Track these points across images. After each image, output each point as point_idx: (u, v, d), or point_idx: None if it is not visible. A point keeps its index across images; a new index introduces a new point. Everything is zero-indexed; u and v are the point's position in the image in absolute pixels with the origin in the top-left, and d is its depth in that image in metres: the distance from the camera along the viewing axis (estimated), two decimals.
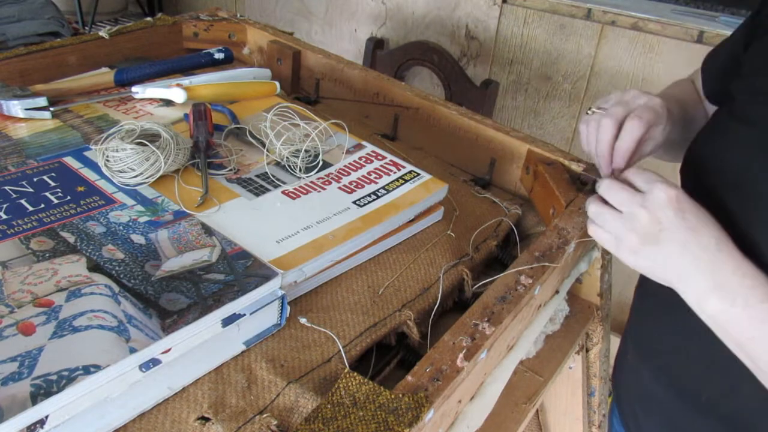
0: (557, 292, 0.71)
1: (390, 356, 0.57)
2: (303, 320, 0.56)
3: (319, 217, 0.63)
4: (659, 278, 0.58)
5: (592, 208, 0.60)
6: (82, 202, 0.60)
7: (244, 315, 0.51)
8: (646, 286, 0.74)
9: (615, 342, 0.84)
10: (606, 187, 0.59)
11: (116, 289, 0.50)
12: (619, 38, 1.56)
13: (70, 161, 0.67)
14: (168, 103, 0.83)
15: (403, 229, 0.67)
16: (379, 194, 0.68)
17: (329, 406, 0.45)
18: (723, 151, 0.61)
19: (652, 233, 0.55)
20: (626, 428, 0.80)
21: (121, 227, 0.58)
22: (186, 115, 0.78)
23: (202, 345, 0.49)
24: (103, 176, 0.65)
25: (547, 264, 0.60)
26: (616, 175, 0.62)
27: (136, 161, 0.64)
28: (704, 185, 0.61)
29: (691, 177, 0.66)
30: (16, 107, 0.75)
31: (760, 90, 0.59)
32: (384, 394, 0.45)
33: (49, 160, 0.67)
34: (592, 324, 0.81)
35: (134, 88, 0.83)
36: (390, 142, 0.88)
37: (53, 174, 0.64)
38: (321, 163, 0.72)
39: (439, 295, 0.61)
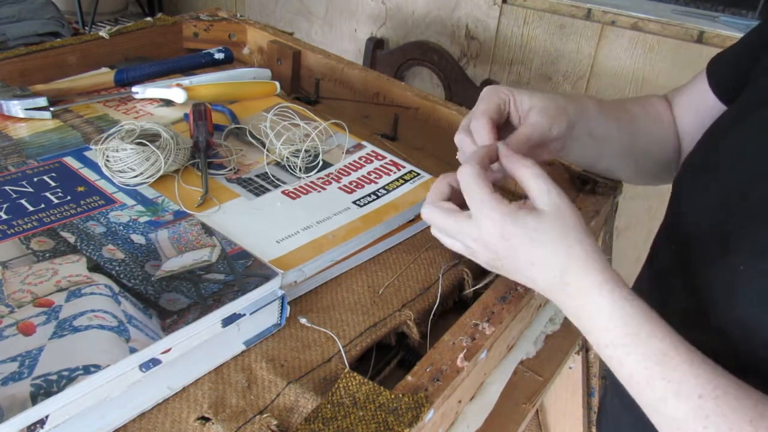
0: None
1: (390, 356, 0.57)
2: (303, 320, 0.56)
3: (319, 217, 0.63)
4: None
5: (434, 231, 0.53)
6: (82, 202, 0.60)
7: (244, 315, 0.51)
8: None
9: None
10: (429, 215, 0.51)
11: (116, 289, 0.50)
12: (619, 38, 1.56)
13: (70, 161, 0.67)
14: (168, 103, 0.83)
15: (403, 229, 0.67)
16: (379, 194, 0.68)
17: (329, 406, 0.45)
18: (750, 139, 0.59)
19: (493, 265, 0.51)
20: None
21: (121, 227, 0.58)
22: (186, 115, 0.78)
23: (202, 345, 0.49)
24: (103, 176, 0.65)
25: None
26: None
27: (136, 161, 0.64)
28: (722, 174, 0.59)
29: (706, 161, 0.63)
30: (16, 107, 0.75)
31: None
32: (384, 394, 0.45)
33: (49, 160, 0.67)
34: None
35: (134, 88, 0.83)
36: (390, 142, 0.88)
37: (53, 174, 0.64)
38: (321, 163, 0.72)
39: (439, 295, 0.61)
